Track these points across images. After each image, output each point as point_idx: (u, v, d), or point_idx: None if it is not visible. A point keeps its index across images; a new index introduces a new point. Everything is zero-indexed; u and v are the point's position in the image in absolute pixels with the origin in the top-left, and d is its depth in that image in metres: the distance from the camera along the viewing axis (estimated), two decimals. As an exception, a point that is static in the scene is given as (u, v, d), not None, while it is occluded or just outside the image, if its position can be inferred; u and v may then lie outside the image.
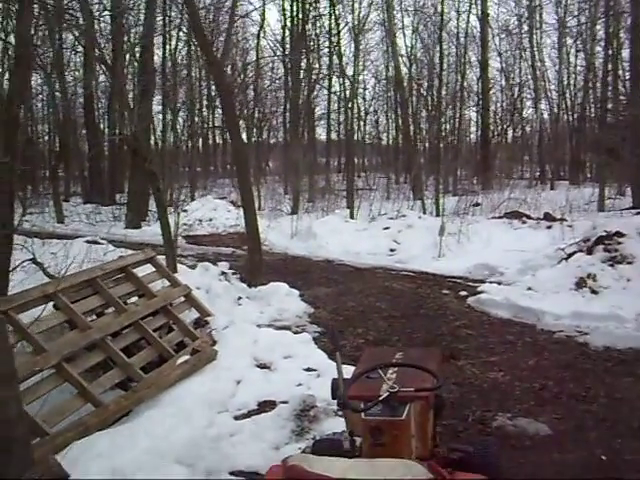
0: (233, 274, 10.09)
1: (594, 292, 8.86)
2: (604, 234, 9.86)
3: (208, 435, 4.95)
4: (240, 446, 4.87)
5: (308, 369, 6.42)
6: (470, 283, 10.68)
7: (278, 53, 29.14)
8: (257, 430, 5.09)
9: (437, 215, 17.10)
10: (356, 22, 26.48)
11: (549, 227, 14.19)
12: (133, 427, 5.07)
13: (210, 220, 19.23)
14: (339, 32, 27.55)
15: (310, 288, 10.39)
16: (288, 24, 27.72)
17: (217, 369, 6.34)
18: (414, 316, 8.85)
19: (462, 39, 29.70)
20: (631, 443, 4.89)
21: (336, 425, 4.91)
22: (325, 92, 30.56)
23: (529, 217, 15.51)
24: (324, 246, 14.33)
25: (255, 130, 32.23)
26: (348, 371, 3.61)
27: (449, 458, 3.52)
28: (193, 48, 25.80)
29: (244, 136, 25.26)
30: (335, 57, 28.01)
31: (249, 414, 5.53)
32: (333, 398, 3.60)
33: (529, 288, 9.25)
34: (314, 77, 28.09)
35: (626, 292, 8.73)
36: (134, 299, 7.14)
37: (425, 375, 3.36)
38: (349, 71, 27.29)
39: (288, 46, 27.80)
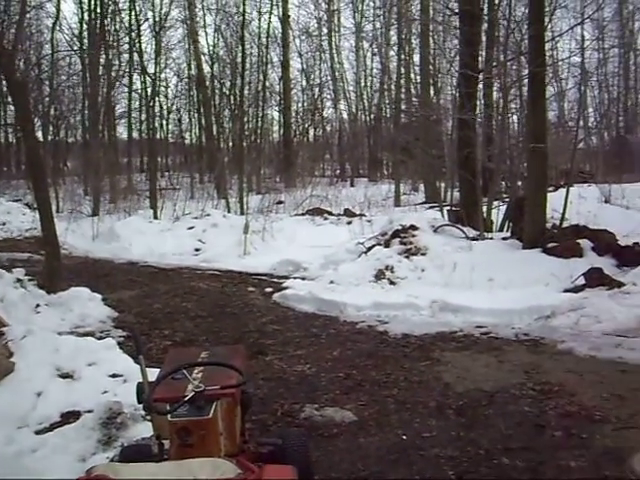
0: (30, 280, 9.49)
1: (392, 283, 9.34)
2: (400, 228, 10.42)
3: (7, 453, 4.64)
4: (44, 461, 4.60)
5: (114, 375, 6.19)
6: (275, 279, 10.87)
7: (75, 48, 27.93)
8: (61, 443, 4.84)
9: (241, 213, 17.22)
10: (157, 19, 26.01)
11: (349, 222, 14.77)
12: None
13: (3, 224, 18.10)
14: (139, 28, 26.91)
15: (114, 292, 10.07)
16: (86, 17, 26.62)
17: (15, 382, 5.94)
18: (221, 315, 8.85)
19: (264, 39, 30.07)
20: (428, 422, 5.20)
21: (146, 431, 4.78)
22: (126, 90, 29.71)
23: (330, 213, 16.05)
24: (128, 248, 13.95)
25: (52, 128, 30.61)
26: (155, 374, 3.53)
27: (259, 452, 3.55)
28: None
29: (39, 134, 23.94)
30: (136, 54, 27.30)
31: (52, 427, 5.23)
32: (139, 402, 3.50)
33: (332, 282, 9.57)
34: (114, 74, 27.19)
35: (421, 282, 9.29)
36: None
37: (230, 372, 3.36)
38: (150, 69, 26.76)
39: (86, 41, 26.70)
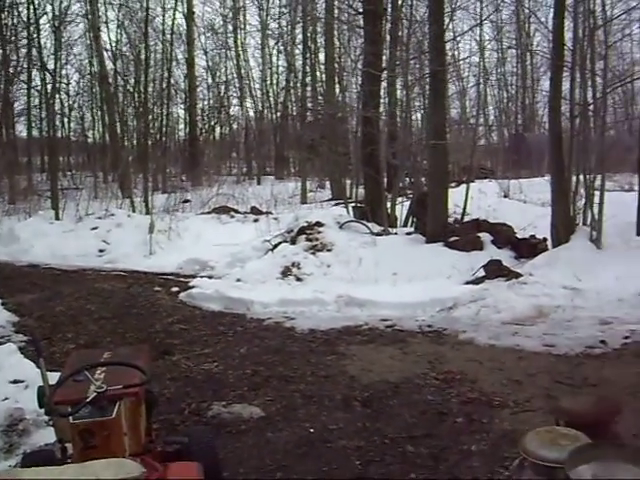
0: None
1: (299, 279, 9.41)
2: (306, 225, 10.51)
3: None
4: (-61, 472, 4.43)
5: (15, 381, 5.99)
6: (182, 279, 10.76)
7: (-30, 43, 26.67)
8: (-43, 454, 4.68)
9: (147, 213, 16.89)
10: (57, 13, 25.17)
11: (256, 220, 14.76)
12: None
13: None
14: (38, 22, 25.94)
15: (13, 295, 9.73)
16: (-20, 11, 25.48)
17: None
18: (126, 316, 8.69)
19: (168, 36, 29.56)
20: (334, 414, 5.29)
21: (50, 436, 4.65)
22: (24, 86, 28.63)
23: (237, 211, 16.00)
24: (28, 250, 13.48)
25: (-55, 126, 29.23)
26: (57, 378, 3.46)
27: (166, 451, 3.52)
28: None
29: None
30: (34, 49, 26.33)
31: (-52, 436, 5.05)
32: (40, 406, 3.42)
33: (238, 279, 9.57)
34: (12, 70, 26.16)
35: (327, 277, 9.40)
36: None
37: (133, 372, 3.33)
38: (50, 65, 25.86)
39: (-19, 35, 25.57)
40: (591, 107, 10.89)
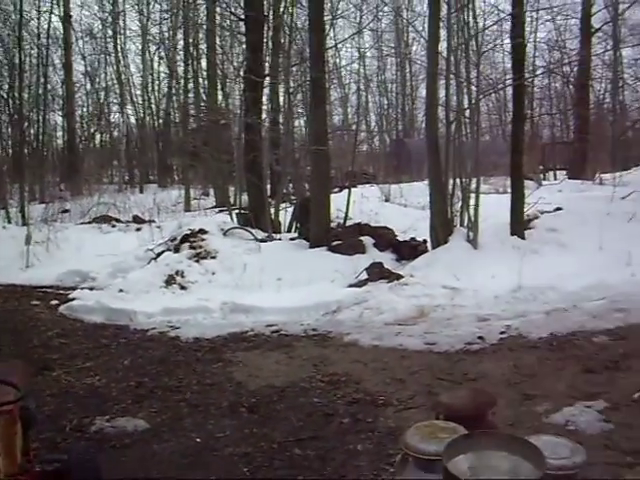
0: None
1: (183, 288, 9.29)
2: (189, 232, 10.39)
3: None
4: None
5: None
6: (62, 291, 10.40)
7: None
8: None
9: (23, 224, 16.20)
10: None
11: (138, 229, 14.46)
12: None
13: None
14: None
15: None
16: None
17: None
18: (2, 332, 8.30)
19: (44, 40, 28.47)
20: (221, 422, 5.26)
21: None
22: None
23: (119, 220, 15.62)
24: None
25: None
26: None
27: (44, 471, 3.40)
28: None
29: None
30: None
31: None
32: None
33: (121, 290, 9.34)
34: None
35: (212, 285, 9.34)
36: None
37: (6, 389, 3.19)
38: None
39: None
40: (466, 113, 11.33)
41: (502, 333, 7.16)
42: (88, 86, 32.34)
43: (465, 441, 2.72)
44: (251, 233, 11.53)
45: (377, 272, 9.25)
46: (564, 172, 23.44)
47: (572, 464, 2.88)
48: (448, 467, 2.55)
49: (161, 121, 32.31)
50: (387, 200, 16.48)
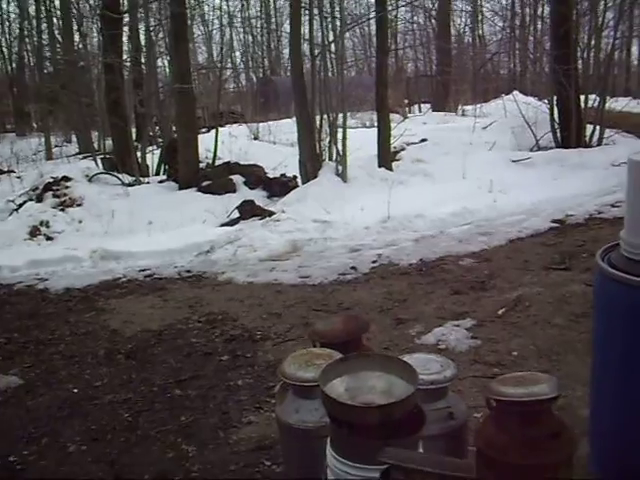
0: None
1: (49, 238, 8.95)
2: (52, 180, 9.96)
3: None
4: None
5: None
6: None
7: None
8: None
9: None
10: None
11: (-4, 181, 13.72)
12: None
13: None
14: None
15: None
16: None
17: None
18: None
19: None
20: (98, 371, 5.16)
21: None
22: None
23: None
24: None
25: None
26: None
27: None
28: None
29: None
30: None
31: None
32: None
33: (-18, 245, 8.88)
34: None
35: (79, 233, 9.04)
36: None
37: None
38: None
39: None
40: (331, 47, 11.33)
41: (374, 262, 7.35)
42: None
43: (341, 365, 2.79)
44: (118, 178, 11.21)
45: (249, 210, 9.23)
46: (428, 105, 24.05)
47: (443, 378, 3.04)
48: (325, 391, 2.61)
49: (14, 65, 30.46)
50: (256, 138, 16.41)
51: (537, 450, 2.74)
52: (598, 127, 12.43)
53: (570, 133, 12.16)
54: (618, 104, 13.10)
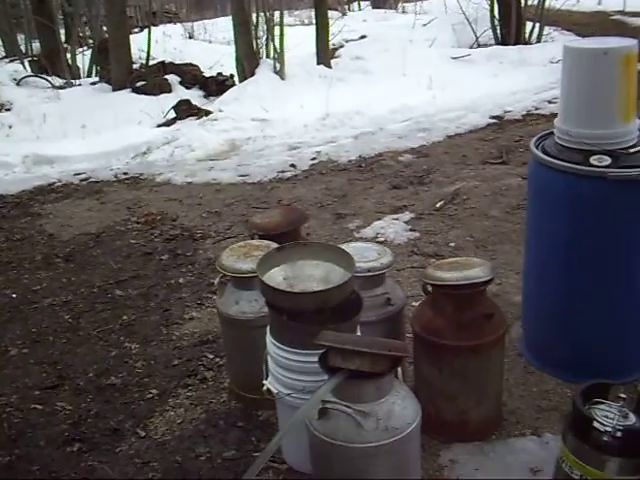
0: None
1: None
2: (-24, 84, 9.53)
3: None
4: None
5: None
6: None
7: None
8: None
9: None
10: None
11: None
12: None
13: None
14: None
15: None
16: None
17: None
18: None
19: None
20: (37, 275, 5.11)
21: None
22: None
23: None
24: None
25: None
26: None
27: None
28: None
29: None
30: None
31: None
32: None
33: None
34: None
35: (10, 139, 8.71)
36: None
37: None
38: None
39: None
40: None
41: (313, 159, 7.32)
42: None
43: (278, 254, 2.81)
44: (48, 81, 10.78)
45: (185, 109, 9.01)
46: (368, 2, 23.53)
47: (380, 265, 3.08)
48: (263, 280, 2.63)
49: None
50: (191, 37, 15.92)
51: (471, 331, 2.84)
52: (538, 24, 12.35)
53: (510, 30, 12.07)
54: (558, 2, 12.99)
